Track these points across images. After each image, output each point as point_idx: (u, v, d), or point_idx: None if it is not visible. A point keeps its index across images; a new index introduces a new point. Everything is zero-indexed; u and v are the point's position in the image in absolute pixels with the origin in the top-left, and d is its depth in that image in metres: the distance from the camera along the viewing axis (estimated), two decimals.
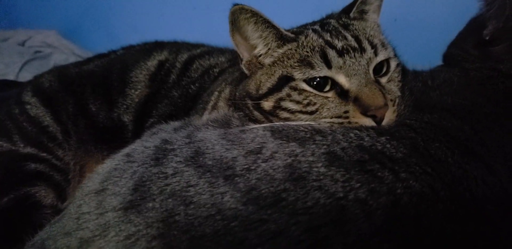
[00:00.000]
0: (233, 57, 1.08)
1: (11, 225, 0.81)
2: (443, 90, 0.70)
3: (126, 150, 0.66)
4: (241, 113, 0.78)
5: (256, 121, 0.75)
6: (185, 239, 0.47)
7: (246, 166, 0.55)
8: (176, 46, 1.15)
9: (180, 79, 1.03)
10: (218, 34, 1.21)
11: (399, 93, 0.73)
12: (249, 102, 0.75)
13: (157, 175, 0.56)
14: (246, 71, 0.78)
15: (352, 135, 0.60)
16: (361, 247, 0.45)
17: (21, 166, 0.91)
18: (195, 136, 0.65)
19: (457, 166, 0.55)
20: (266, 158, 0.56)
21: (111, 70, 1.08)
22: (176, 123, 0.72)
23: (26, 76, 1.76)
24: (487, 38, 0.73)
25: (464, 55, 0.77)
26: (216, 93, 0.90)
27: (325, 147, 0.57)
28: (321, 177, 0.51)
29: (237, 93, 0.80)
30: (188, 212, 0.50)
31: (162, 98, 1.01)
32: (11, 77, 1.75)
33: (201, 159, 0.58)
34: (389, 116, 0.66)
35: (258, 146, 0.59)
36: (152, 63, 1.08)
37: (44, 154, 0.95)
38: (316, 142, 0.59)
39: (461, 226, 0.49)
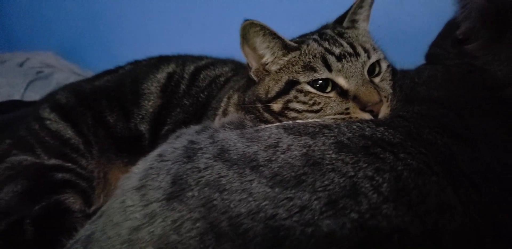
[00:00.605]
0: (236, 67, 1.17)
1: (47, 229, 0.86)
2: (429, 85, 0.79)
3: (156, 152, 0.73)
4: (252, 115, 0.85)
5: (266, 122, 0.83)
6: (225, 218, 0.55)
7: (267, 158, 0.63)
8: (181, 59, 1.22)
9: (189, 89, 1.11)
10: (212, 49, 1.30)
11: (391, 91, 0.81)
12: (260, 105, 0.83)
13: (191, 169, 0.63)
14: (255, 78, 0.86)
15: (354, 126, 0.69)
16: (373, 213, 0.53)
17: (49, 176, 0.96)
18: (217, 136, 0.72)
19: (446, 147, 0.64)
20: (284, 150, 0.64)
21: (123, 84, 1.15)
22: (197, 127, 0.79)
23: (31, 96, 1.79)
24: (460, 37, 0.82)
25: (445, 54, 0.85)
26: (225, 99, 0.98)
27: (333, 137, 0.66)
28: (334, 161, 0.60)
29: (246, 98, 0.88)
30: (224, 197, 0.58)
31: (175, 107, 1.08)
32: (16, 97, 1.77)
33: (226, 154, 0.65)
34: (384, 111, 0.75)
35: (274, 141, 0.67)
36: (161, 75, 1.15)
37: (69, 164, 1.00)
38: (325, 134, 0.67)
39: (454, 194, 0.58)
